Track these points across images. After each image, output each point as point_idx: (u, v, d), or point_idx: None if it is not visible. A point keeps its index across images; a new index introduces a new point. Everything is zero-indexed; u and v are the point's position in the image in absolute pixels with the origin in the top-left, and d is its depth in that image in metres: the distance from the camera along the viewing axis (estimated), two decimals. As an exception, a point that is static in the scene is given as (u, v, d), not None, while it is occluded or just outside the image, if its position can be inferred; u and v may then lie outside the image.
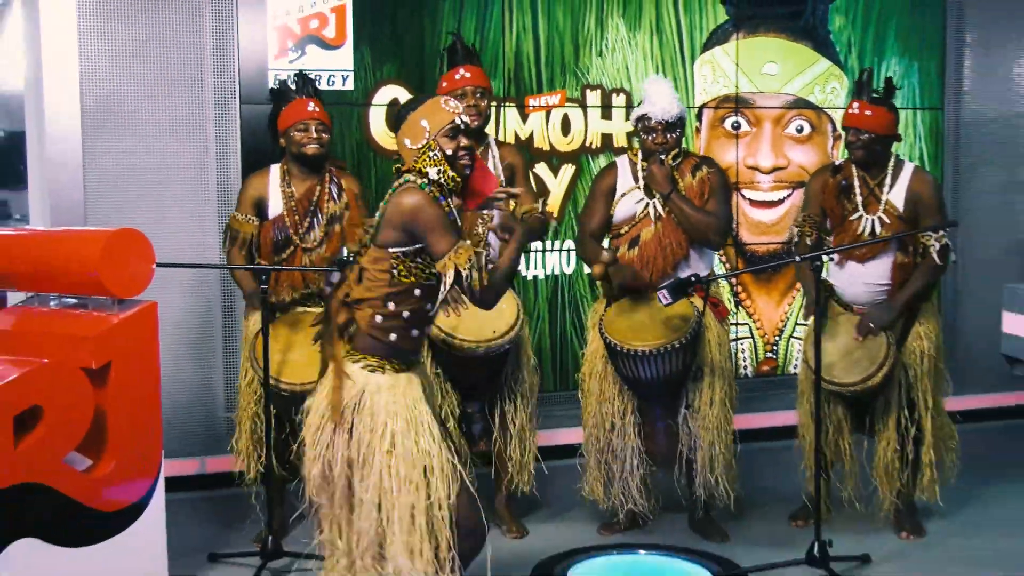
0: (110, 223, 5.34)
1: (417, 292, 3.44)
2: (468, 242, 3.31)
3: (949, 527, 5.16)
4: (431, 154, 3.39)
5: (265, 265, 4.75)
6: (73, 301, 4.44)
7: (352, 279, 3.46)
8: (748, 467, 5.26)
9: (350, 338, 3.47)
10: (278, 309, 4.82)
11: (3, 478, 3.75)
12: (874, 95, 4.86)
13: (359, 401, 3.39)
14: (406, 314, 3.43)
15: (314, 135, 4.82)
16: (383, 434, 3.35)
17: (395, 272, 3.39)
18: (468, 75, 4.90)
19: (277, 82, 5.10)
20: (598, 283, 5.09)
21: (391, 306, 3.41)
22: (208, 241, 5.70)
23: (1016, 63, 7.03)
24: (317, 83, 4.98)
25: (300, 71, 5.07)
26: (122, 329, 4.15)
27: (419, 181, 3.40)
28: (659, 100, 4.88)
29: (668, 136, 4.88)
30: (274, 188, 4.91)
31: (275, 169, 4.95)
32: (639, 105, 5.00)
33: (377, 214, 3.44)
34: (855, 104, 4.87)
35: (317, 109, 4.83)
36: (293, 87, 4.92)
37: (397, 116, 3.53)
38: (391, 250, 3.37)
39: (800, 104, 6.70)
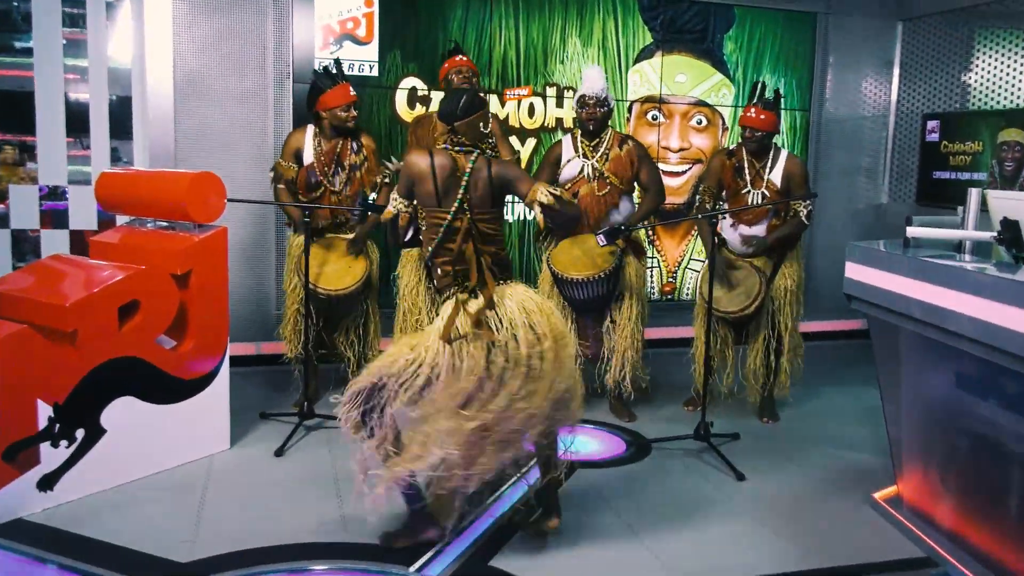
0: (193, 167, 5.28)
1: None
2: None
3: (797, 415, 5.21)
4: (491, 141, 3.35)
5: (306, 203, 4.68)
6: (164, 224, 4.39)
7: (471, 249, 3.18)
8: (653, 366, 5.28)
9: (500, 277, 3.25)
10: (315, 234, 4.77)
11: (110, 351, 3.76)
12: (766, 100, 4.80)
13: (525, 303, 3.21)
14: None
15: (354, 113, 4.79)
16: (546, 312, 3.22)
17: (499, 221, 3.32)
18: (463, 59, 4.96)
19: (321, 67, 4.96)
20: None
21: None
22: (267, 183, 5.58)
23: (863, 79, 7.00)
24: (348, 69, 4.91)
25: (337, 59, 4.96)
26: (200, 247, 4.13)
27: (486, 154, 3.31)
28: (592, 82, 4.83)
29: (598, 110, 4.83)
30: (308, 143, 4.85)
31: (310, 128, 4.89)
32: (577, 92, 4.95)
33: (463, 184, 3.19)
34: (752, 110, 4.77)
35: (354, 93, 4.79)
36: (336, 73, 4.81)
37: (467, 105, 3.24)
38: (502, 207, 3.31)
39: (700, 104, 6.66)
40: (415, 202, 3.36)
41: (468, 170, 3.21)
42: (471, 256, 3.19)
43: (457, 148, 3.26)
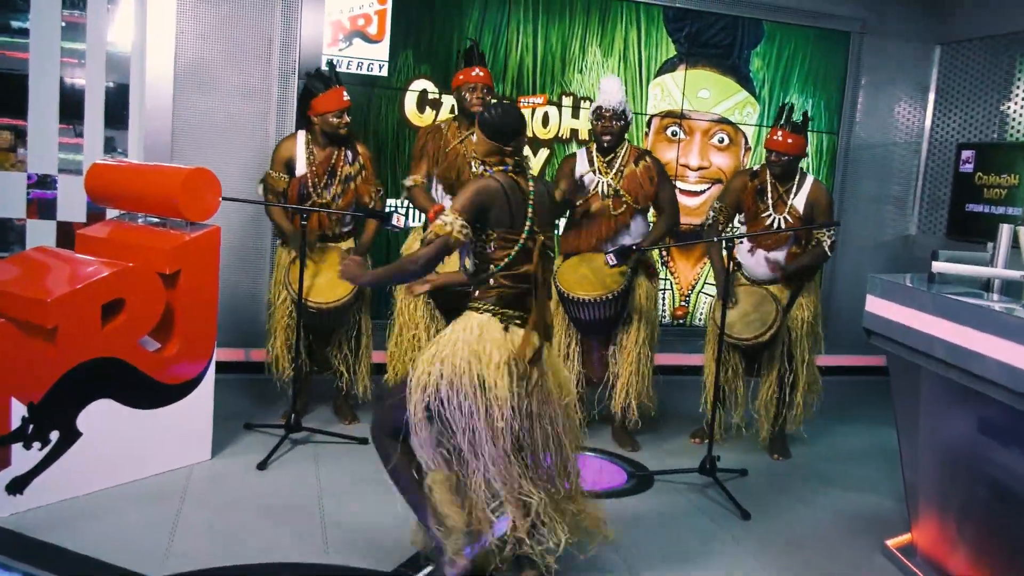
0: (189, 162, 5.30)
1: None
2: None
3: (809, 453, 5.19)
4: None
5: (307, 207, 4.68)
6: (155, 220, 4.41)
7: (540, 269, 3.22)
8: (661, 394, 5.27)
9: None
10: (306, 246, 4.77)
11: (91, 351, 3.77)
12: (793, 123, 4.80)
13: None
14: None
15: (347, 119, 4.75)
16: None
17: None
18: (480, 74, 4.84)
19: (315, 70, 4.95)
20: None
21: None
22: (265, 182, 5.65)
23: (896, 104, 7.02)
24: (357, 68, 4.90)
25: (329, 61, 4.96)
26: (191, 246, 4.14)
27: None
28: (609, 94, 4.81)
29: (615, 123, 4.82)
30: (300, 152, 4.83)
31: (301, 135, 4.87)
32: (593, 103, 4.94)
33: (531, 203, 3.22)
34: (779, 132, 4.77)
35: (348, 98, 4.76)
36: (329, 76, 4.78)
37: (519, 122, 3.25)
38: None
39: (723, 121, 6.68)
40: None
41: (531, 189, 3.24)
42: (540, 273, 3.20)
43: (516, 170, 3.25)
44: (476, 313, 3.19)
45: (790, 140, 4.76)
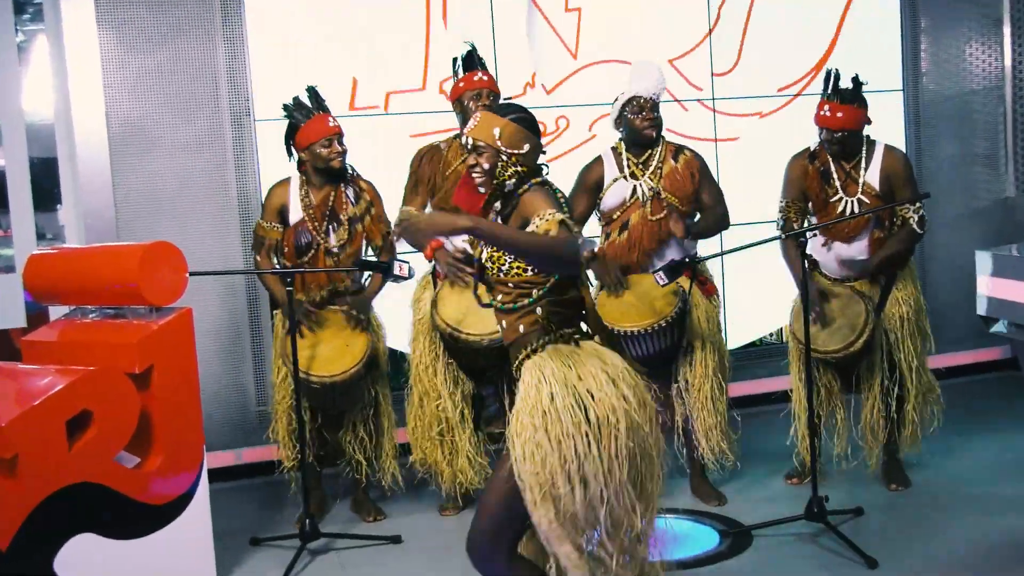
0: (140, 238, 5.31)
1: None
2: None
3: (931, 476, 5.14)
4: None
5: (291, 267, 4.70)
6: (111, 311, 4.40)
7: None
8: (740, 431, 5.23)
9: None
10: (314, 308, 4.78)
11: (59, 479, 3.75)
12: (842, 91, 4.78)
13: None
14: None
15: (338, 148, 4.77)
16: None
17: None
18: (485, 79, 4.89)
19: (292, 99, 5.00)
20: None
21: None
22: (232, 249, 5.66)
23: (966, 45, 7.02)
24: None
25: (310, 87, 5.00)
26: (161, 335, 4.13)
27: None
28: (646, 79, 4.81)
29: (656, 115, 4.83)
30: (294, 196, 4.88)
31: (295, 179, 4.92)
32: (623, 94, 4.90)
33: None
34: (826, 106, 4.76)
35: (335, 124, 4.79)
36: (308, 104, 4.85)
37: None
38: None
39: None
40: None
41: (563, 200, 3.23)
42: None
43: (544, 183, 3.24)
44: (535, 357, 3.13)
45: (840, 113, 4.73)
